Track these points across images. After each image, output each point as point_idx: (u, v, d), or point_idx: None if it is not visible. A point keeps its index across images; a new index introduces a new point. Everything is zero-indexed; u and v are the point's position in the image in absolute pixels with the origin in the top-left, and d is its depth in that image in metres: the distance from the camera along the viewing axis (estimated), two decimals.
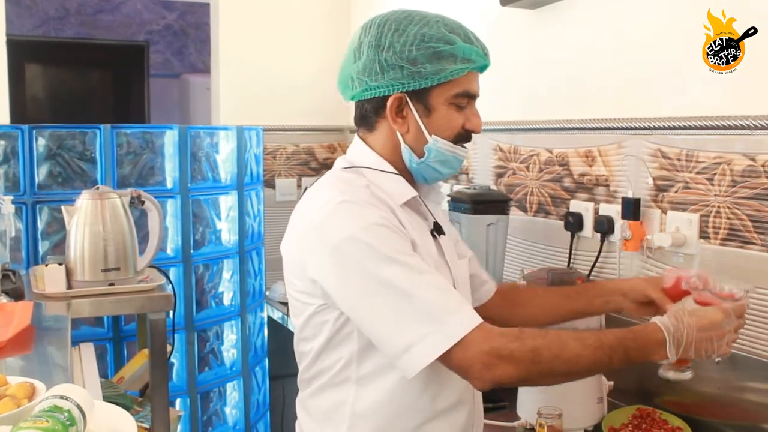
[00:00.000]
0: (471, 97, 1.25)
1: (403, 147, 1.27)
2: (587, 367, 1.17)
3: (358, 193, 1.20)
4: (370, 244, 1.14)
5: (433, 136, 1.25)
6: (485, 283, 1.50)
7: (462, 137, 1.27)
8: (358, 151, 1.32)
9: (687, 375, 1.27)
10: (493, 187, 2.24)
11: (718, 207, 1.58)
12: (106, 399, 1.73)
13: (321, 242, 1.18)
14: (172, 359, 2.45)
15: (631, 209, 1.74)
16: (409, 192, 1.27)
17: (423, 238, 1.26)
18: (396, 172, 1.28)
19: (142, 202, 2.12)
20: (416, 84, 1.21)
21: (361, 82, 1.24)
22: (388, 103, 1.23)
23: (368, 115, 1.28)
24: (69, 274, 2.03)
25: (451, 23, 1.24)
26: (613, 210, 1.83)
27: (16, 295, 1.85)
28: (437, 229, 1.32)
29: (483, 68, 1.25)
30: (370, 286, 1.15)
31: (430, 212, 1.32)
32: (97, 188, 2.10)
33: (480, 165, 2.37)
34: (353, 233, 1.15)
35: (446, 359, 1.12)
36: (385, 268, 1.13)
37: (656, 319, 1.19)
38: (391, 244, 1.16)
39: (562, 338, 1.15)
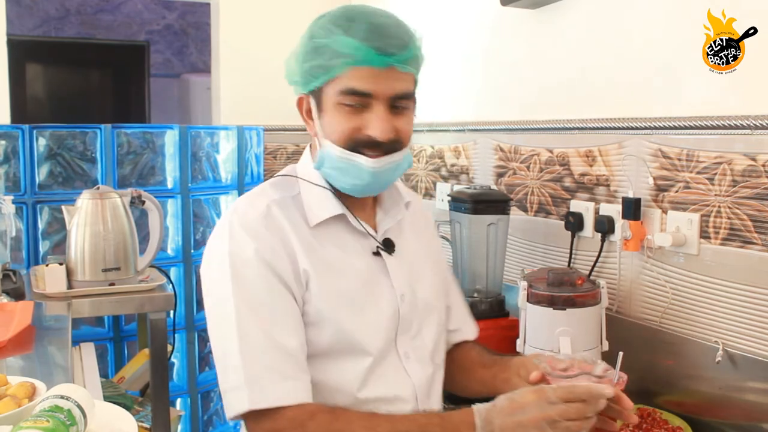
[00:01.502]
0: (360, 95, 1.10)
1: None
2: None
3: (251, 215, 1.15)
4: (232, 277, 1.10)
5: (326, 140, 1.15)
6: (455, 332, 1.39)
7: (363, 143, 1.12)
8: (304, 155, 1.26)
9: None
10: (494, 186, 2.24)
11: (719, 207, 1.58)
12: (106, 399, 1.73)
13: (205, 254, 1.19)
14: (173, 359, 2.45)
15: (632, 209, 1.74)
16: (333, 209, 1.18)
17: (342, 261, 1.17)
18: (326, 185, 1.20)
19: (143, 202, 2.12)
20: (308, 83, 1.14)
21: (289, 82, 1.20)
22: (297, 105, 1.21)
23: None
24: (69, 273, 2.03)
25: (348, 14, 1.10)
26: (613, 210, 1.83)
27: (17, 294, 1.86)
28: (387, 245, 1.22)
29: (367, 62, 1.08)
30: (217, 313, 1.13)
31: (370, 228, 1.22)
32: (98, 188, 2.10)
33: (480, 165, 2.37)
34: (222, 259, 1.12)
35: (245, 421, 1.10)
36: (231, 307, 1.10)
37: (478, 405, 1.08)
38: (249, 285, 1.10)
39: (351, 427, 1.07)
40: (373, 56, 1.07)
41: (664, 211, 1.70)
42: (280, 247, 1.13)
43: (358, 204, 1.22)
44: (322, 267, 1.15)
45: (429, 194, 2.64)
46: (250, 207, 1.16)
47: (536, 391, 1.05)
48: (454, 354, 1.39)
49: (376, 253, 1.21)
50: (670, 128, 1.67)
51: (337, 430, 1.07)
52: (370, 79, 1.09)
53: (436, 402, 1.29)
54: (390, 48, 1.08)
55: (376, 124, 1.10)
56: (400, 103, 1.12)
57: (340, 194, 1.20)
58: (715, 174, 1.58)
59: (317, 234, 1.17)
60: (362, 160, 1.12)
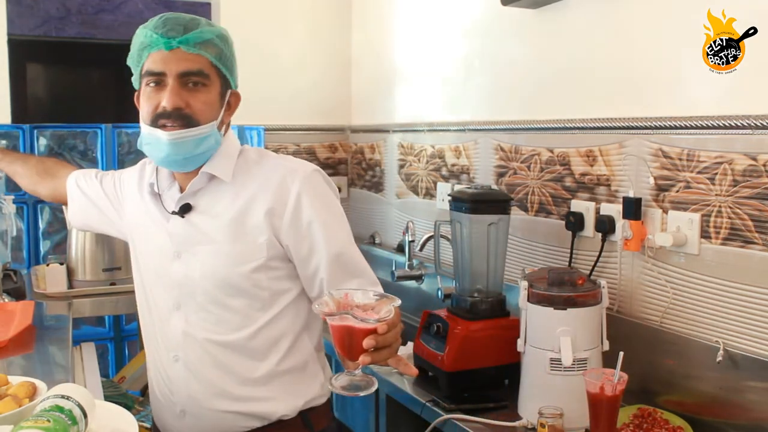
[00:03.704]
0: (155, 74, 1.30)
1: None
2: None
3: (132, 168, 1.58)
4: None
5: (141, 122, 1.35)
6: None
7: (160, 116, 1.31)
8: None
9: (357, 373, 1.09)
10: (494, 186, 2.24)
11: (720, 207, 1.58)
12: (107, 399, 1.74)
13: None
14: None
15: (632, 209, 1.74)
16: (149, 178, 1.44)
17: (148, 217, 1.43)
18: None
19: None
20: (135, 79, 1.37)
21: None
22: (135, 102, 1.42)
23: None
24: (70, 273, 2.03)
25: (157, 18, 1.33)
26: (614, 210, 1.83)
27: (18, 294, 1.86)
28: (184, 209, 1.38)
29: (157, 46, 1.29)
30: None
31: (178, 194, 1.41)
32: None
33: (481, 165, 2.37)
34: None
35: None
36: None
37: None
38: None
39: None
40: (160, 40, 1.29)
41: (665, 211, 1.70)
42: (118, 179, 1.61)
43: (186, 176, 1.40)
44: (137, 220, 1.48)
45: (430, 194, 2.64)
46: (137, 165, 1.58)
47: None
48: None
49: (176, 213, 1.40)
50: (671, 128, 1.68)
51: None
52: (161, 61, 1.30)
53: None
54: (172, 32, 1.29)
55: (167, 96, 1.30)
56: (192, 79, 1.31)
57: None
58: (716, 174, 1.58)
59: (154, 195, 1.43)
60: (160, 133, 1.31)
